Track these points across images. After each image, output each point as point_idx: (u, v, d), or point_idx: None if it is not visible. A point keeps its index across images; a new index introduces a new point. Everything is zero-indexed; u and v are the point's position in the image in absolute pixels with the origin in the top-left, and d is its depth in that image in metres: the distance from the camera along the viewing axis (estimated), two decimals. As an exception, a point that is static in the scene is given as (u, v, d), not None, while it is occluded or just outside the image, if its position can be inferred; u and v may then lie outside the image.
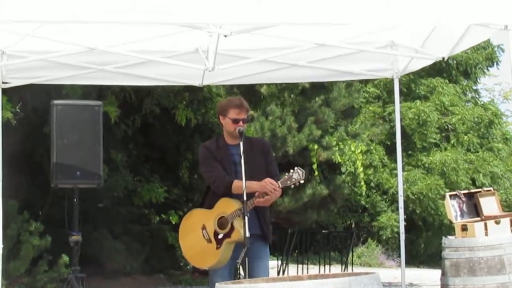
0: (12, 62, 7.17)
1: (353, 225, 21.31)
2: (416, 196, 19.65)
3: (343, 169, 17.82)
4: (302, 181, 6.08)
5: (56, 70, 7.45)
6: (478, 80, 24.38)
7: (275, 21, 5.60)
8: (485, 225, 7.26)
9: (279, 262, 13.05)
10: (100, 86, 10.64)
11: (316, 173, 16.73)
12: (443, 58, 7.18)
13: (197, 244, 6.18)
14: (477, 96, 25.01)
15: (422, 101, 21.22)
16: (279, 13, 5.25)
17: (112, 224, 13.45)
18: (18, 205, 10.95)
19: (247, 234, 5.72)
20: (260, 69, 7.64)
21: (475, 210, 7.61)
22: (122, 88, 12.01)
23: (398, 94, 7.94)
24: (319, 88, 15.85)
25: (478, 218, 7.49)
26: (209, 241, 6.13)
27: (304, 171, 6.08)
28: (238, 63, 6.95)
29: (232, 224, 6.05)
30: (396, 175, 11.06)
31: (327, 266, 13.62)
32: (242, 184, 5.85)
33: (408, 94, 21.61)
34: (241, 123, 6.17)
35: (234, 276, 5.96)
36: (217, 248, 6.09)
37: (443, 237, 7.47)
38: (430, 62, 7.74)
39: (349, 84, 16.68)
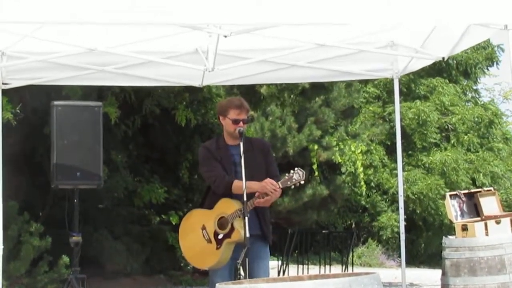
0: (12, 63, 7.16)
1: (353, 225, 21.28)
2: (416, 196, 19.62)
3: (343, 169, 17.81)
4: (302, 182, 6.09)
5: (56, 71, 7.45)
6: (478, 80, 24.36)
7: (275, 21, 5.60)
8: (486, 225, 7.26)
9: (279, 262, 13.03)
10: (100, 86, 10.64)
11: (316, 173, 16.70)
12: (443, 58, 7.19)
13: (197, 244, 6.18)
14: (477, 96, 24.98)
15: (422, 101, 21.19)
16: (279, 14, 5.26)
17: (112, 225, 13.44)
18: (18, 206, 10.92)
19: (247, 235, 5.72)
20: (260, 69, 7.64)
21: (475, 210, 7.60)
22: (122, 89, 12.00)
23: (398, 94, 7.94)
24: (319, 88, 15.83)
25: (479, 218, 7.48)
26: (209, 241, 6.13)
27: (304, 172, 6.08)
28: (238, 63, 6.94)
29: (232, 224, 6.05)
30: (396, 175, 11.07)
31: (327, 266, 13.58)
32: (242, 184, 5.84)
33: (408, 94, 21.58)
34: (241, 123, 6.17)
35: (234, 276, 5.97)
36: (217, 248, 6.09)
37: (444, 237, 7.47)
38: (430, 62, 7.75)
39: (349, 84, 16.65)
